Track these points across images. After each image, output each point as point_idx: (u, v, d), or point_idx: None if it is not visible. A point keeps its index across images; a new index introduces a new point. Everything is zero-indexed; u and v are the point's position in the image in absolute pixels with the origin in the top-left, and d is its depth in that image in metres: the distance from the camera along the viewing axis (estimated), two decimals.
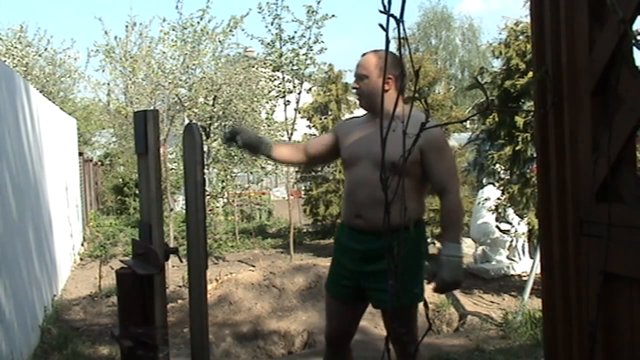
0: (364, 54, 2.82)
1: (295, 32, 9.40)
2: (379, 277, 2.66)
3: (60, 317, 6.29)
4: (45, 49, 15.32)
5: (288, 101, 9.81)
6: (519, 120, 6.50)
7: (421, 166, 2.66)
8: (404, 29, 1.03)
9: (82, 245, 10.54)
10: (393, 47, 1.05)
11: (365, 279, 2.76)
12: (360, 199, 2.70)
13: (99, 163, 18.92)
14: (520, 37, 6.85)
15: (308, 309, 6.01)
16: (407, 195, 2.63)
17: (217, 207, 11.98)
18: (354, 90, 2.84)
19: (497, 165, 7.16)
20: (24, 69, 13.87)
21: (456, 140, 11.49)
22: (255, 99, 11.01)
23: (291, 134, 9.75)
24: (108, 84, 11.37)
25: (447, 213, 2.70)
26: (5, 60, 12.38)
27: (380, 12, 1.03)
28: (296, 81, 9.71)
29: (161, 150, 6.15)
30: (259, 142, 2.71)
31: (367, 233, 2.70)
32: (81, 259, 9.61)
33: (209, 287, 6.03)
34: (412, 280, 2.65)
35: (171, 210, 8.60)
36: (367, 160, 2.68)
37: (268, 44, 9.43)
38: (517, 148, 6.52)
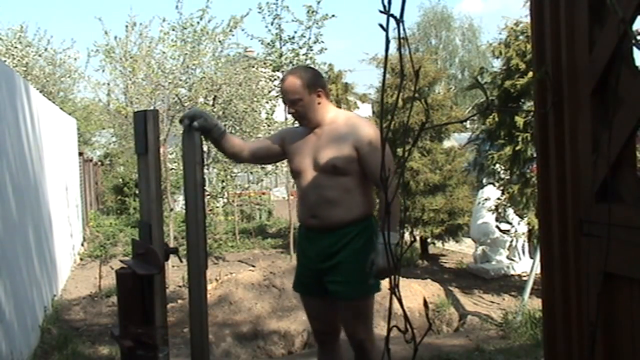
0: (283, 80, 2.98)
1: (295, 32, 9.40)
2: (336, 271, 2.89)
3: (60, 317, 6.29)
4: (45, 49, 15.32)
5: None
6: (519, 120, 6.51)
7: (359, 164, 2.84)
8: (404, 29, 1.02)
9: (82, 245, 10.54)
10: (393, 47, 1.05)
11: (324, 274, 2.94)
12: (313, 201, 2.90)
13: (99, 163, 18.92)
14: (520, 37, 6.86)
15: None
16: (353, 193, 2.85)
17: (217, 207, 11.98)
18: (290, 114, 2.99)
19: (497, 165, 7.16)
20: (24, 69, 13.86)
21: (456, 140, 11.49)
22: (255, 99, 11.00)
23: None
24: (108, 84, 11.36)
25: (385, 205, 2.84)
26: (5, 60, 12.37)
27: (380, 12, 1.03)
28: None
29: (161, 150, 6.15)
30: (213, 127, 2.75)
31: (321, 231, 2.90)
32: (81, 259, 9.61)
33: (209, 287, 6.02)
34: (366, 273, 2.78)
35: (171, 210, 8.60)
36: (314, 167, 2.90)
37: (268, 44, 9.43)
38: (517, 148, 6.52)
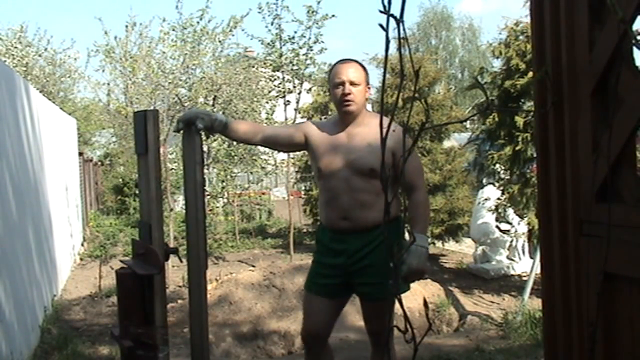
0: (345, 61, 2.94)
1: (295, 32, 9.40)
2: (369, 271, 2.90)
3: (60, 317, 6.29)
4: (45, 49, 15.33)
5: (288, 101, 9.81)
6: (519, 120, 6.50)
7: (393, 168, 2.84)
8: (404, 29, 1.02)
9: (82, 245, 10.54)
10: (393, 47, 1.05)
11: (355, 275, 2.94)
12: (345, 203, 2.88)
13: (99, 163, 18.92)
14: (520, 37, 6.85)
15: None
16: (384, 195, 2.80)
17: (217, 207, 11.98)
18: (344, 95, 2.89)
19: (497, 165, 7.16)
20: (24, 69, 13.87)
21: (456, 140, 11.49)
22: (255, 99, 11.00)
23: None
24: (108, 84, 11.40)
25: (416, 207, 2.90)
26: (5, 60, 12.38)
27: (380, 12, 1.03)
28: (296, 81, 9.71)
29: (161, 150, 6.15)
30: (212, 122, 2.67)
31: (352, 233, 2.89)
32: (81, 259, 9.61)
33: (209, 287, 6.03)
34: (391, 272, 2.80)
35: (171, 210, 8.60)
36: (345, 168, 2.87)
37: (268, 44, 9.43)
38: (517, 148, 6.52)
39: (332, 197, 2.93)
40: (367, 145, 2.86)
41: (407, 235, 4.09)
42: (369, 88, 2.97)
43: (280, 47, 9.36)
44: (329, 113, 11.84)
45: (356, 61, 2.97)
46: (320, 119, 11.74)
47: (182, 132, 2.59)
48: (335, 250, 2.96)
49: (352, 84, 2.86)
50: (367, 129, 2.90)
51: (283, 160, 10.85)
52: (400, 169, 2.80)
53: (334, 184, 2.90)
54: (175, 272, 8.13)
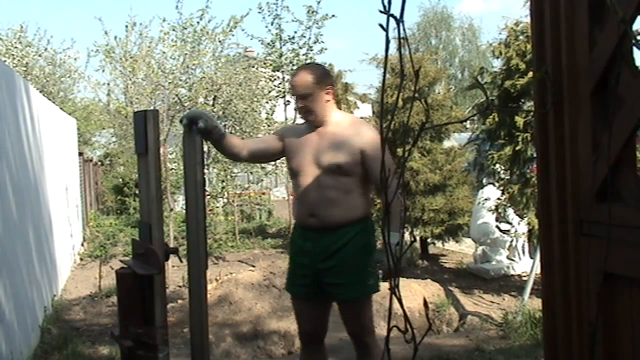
0: (295, 74, 2.98)
1: (295, 32, 9.43)
2: (336, 272, 2.90)
3: (60, 317, 6.29)
4: (45, 49, 15.32)
5: (288, 101, 9.82)
6: (519, 120, 6.50)
7: (362, 166, 2.88)
8: (404, 29, 1.03)
9: (82, 245, 10.54)
10: (393, 47, 1.05)
11: (323, 275, 2.94)
12: (313, 200, 2.91)
13: (99, 163, 18.91)
14: (520, 37, 6.85)
15: None
16: (353, 193, 2.88)
17: (217, 207, 11.97)
18: (298, 109, 2.99)
19: (497, 165, 7.16)
20: (24, 69, 13.86)
21: (456, 140, 11.49)
22: (255, 99, 11.00)
23: None
24: (108, 84, 11.38)
25: (393, 206, 2.87)
26: (5, 60, 12.37)
27: (380, 12, 1.03)
28: None
29: (161, 150, 6.15)
30: (213, 128, 2.72)
31: (320, 231, 2.91)
32: (81, 259, 9.61)
33: (209, 287, 6.02)
34: (366, 273, 2.85)
35: (171, 210, 8.60)
36: (316, 166, 2.91)
37: (268, 44, 9.45)
38: (517, 148, 6.52)
39: (301, 194, 2.97)
40: (338, 144, 2.89)
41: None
42: (329, 89, 2.93)
43: (280, 47, 9.38)
44: None
45: (308, 67, 3.01)
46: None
47: (182, 131, 2.59)
48: (305, 249, 2.99)
49: (301, 97, 2.90)
50: (338, 128, 2.94)
51: (283, 160, 10.83)
52: (366, 167, 2.83)
53: (303, 181, 2.94)
54: (175, 272, 8.13)
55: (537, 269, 5.74)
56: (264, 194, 15.86)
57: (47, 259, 6.43)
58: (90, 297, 7.16)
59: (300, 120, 3.20)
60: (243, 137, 10.64)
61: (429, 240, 9.91)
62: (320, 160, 2.90)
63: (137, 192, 12.15)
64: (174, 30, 9.16)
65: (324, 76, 2.94)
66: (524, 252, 8.58)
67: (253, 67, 11.26)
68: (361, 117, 14.83)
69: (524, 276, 7.77)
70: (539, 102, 1.61)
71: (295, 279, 3.09)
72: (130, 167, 15.52)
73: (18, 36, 14.50)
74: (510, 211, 7.98)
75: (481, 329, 6.03)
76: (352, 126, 2.94)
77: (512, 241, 8.61)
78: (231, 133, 11.03)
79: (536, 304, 5.65)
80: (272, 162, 12.22)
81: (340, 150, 2.87)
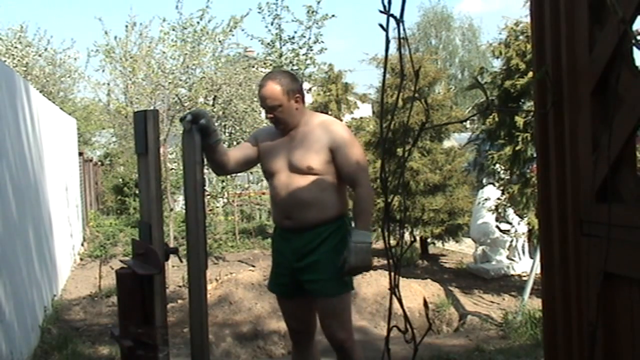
0: (262, 85, 2.97)
1: (295, 32, 9.44)
2: (312, 269, 2.93)
3: (60, 317, 6.29)
4: (45, 49, 15.33)
5: None
6: (519, 120, 6.50)
7: (333, 164, 2.90)
8: (404, 29, 1.03)
9: (82, 245, 10.54)
10: (393, 47, 1.05)
11: (300, 273, 2.98)
12: (287, 202, 2.94)
13: (99, 163, 18.91)
14: (520, 37, 6.85)
15: None
16: (327, 193, 2.90)
17: (217, 207, 11.97)
18: (268, 120, 3.00)
19: (497, 165, 7.16)
20: (24, 69, 13.86)
21: (456, 140, 11.49)
22: (255, 99, 10.99)
23: None
24: (108, 84, 11.39)
25: (358, 203, 2.93)
26: (5, 60, 12.37)
27: (380, 12, 1.03)
28: None
29: (161, 150, 6.15)
30: (212, 131, 2.73)
31: (296, 231, 2.94)
32: (81, 259, 9.61)
33: (209, 287, 6.03)
34: (341, 270, 2.85)
35: (171, 210, 8.60)
36: (288, 168, 2.94)
37: (268, 44, 9.45)
38: (517, 148, 6.51)
39: (275, 196, 3.00)
40: (305, 144, 2.92)
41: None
42: (297, 97, 2.93)
43: (280, 47, 9.39)
44: (329, 113, 11.85)
45: (275, 77, 2.96)
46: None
47: (182, 131, 2.59)
48: (283, 250, 3.04)
49: (270, 109, 2.93)
50: (307, 128, 2.96)
51: None
52: (337, 165, 2.81)
53: (276, 183, 2.97)
54: (175, 272, 8.13)
55: (537, 269, 5.74)
56: (264, 193, 15.83)
57: (47, 259, 6.43)
58: (90, 297, 7.16)
59: None
60: (243, 138, 10.66)
61: (429, 240, 9.91)
62: (291, 162, 2.92)
63: (137, 192, 12.16)
64: (174, 30, 9.17)
65: (292, 84, 2.93)
66: (524, 252, 8.57)
67: (253, 67, 11.26)
68: (360, 117, 14.78)
69: (524, 276, 7.77)
70: (539, 102, 1.61)
71: (276, 278, 3.14)
72: (130, 167, 15.52)
73: (18, 36, 14.51)
74: (510, 211, 7.98)
75: (481, 329, 6.03)
76: (320, 125, 2.96)
77: (512, 241, 8.61)
78: (231, 133, 11.06)
79: (536, 304, 5.65)
80: (206, 159, 12.23)
81: (310, 151, 2.89)
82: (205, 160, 2.77)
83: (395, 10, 1.03)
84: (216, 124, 11.74)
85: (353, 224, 2.95)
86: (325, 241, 2.90)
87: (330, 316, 2.99)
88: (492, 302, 7.23)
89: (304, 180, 2.89)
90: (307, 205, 2.88)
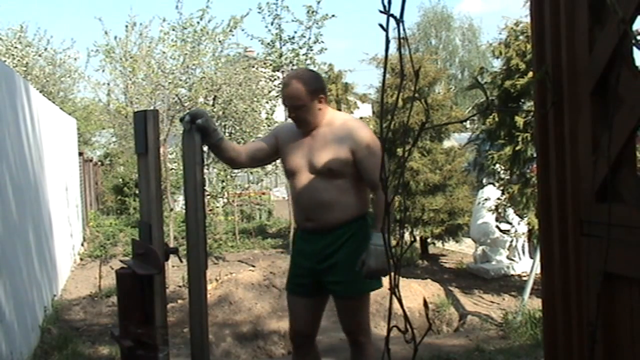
0: (286, 84, 2.93)
1: (295, 32, 9.41)
2: (335, 270, 2.92)
3: (60, 317, 6.29)
4: (45, 49, 15.32)
5: None
6: (519, 120, 6.50)
7: (354, 166, 2.87)
8: (404, 29, 1.03)
9: (82, 245, 10.54)
10: (393, 47, 1.05)
11: (323, 274, 2.96)
12: (308, 203, 2.92)
13: (99, 163, 18.91)
14: (520, 37, 6.85)
15: None
16: (348, 194, 2.88)
17: (217, 207, 11.97)
18: (291, 118, 2.98)
19: (497, 165, 7.16)
20: (24, 69, 13.86)
21: (456, 140, 11.49)
22: (255, 99, 11.00)
23: None
24: (108, 84, 11.37)
25: (378, 206, 2.92)
26: (5, 60, 12.37)
27: (380, 12, 1.03)
28: None
29: (161, 150, 6.15)
30: (212, 130, 2.70)
31: (317, 233, 2.93)
32: (81, 259, 9.61)
33: (209, 287, 6.02)
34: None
35: (171, 210, 8.60)
36: (309, 169, 2.91)
37: (268, 44, 9.44)
38: (517, 148, 6.52)
39: (296, 198, 2.99)
40: (326, 145, 2.89)
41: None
42: (321, 97, 2.90)
43: (280, 47, 9.37)
44: None
45: (299, 76, 2.93)
46: None
47: (182, 131, 2.59)
48: (305, 251, 3.02)
49: (294, 108, 2.89)
50: (329, 129, 2.93)
51: None
52: (358, 167, 2.81)
53: (298, 184, 2.95)
54: (175, 272, 8.13)
55: (537, 269, 5.74)
56: (264, 194, 15.86)
57: (47, 259, 6.43)
58: (90, 297, 7.16)
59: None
60: (243, 137, 10.65)
61: (429, 240, 9.91)
62: (312, 164, 2.90)
63: (137, 192, 12.15)
64: (174, 30, 9.16)
65: (316, 84, 2.90)
66: (524, 252, 8.58)
67: (253, 67, 11.26)
68: (360, 117, 14.81)
69: (524, 276, 7.77)
70: (539, 102, 1.61)
71: (295, 278, 3.11)
72: (130, 167, 15.52)
73: (18, 36, 14.50)
74: (510, 211, 7.98)
75: (481, 329, 6.03)
76: (343, 126, 2.92)
77: (512, 241, 8.61)
78: (231, 133, 11.06)
79: (536, 304, 5.65)
80: (273, 162, 12.26)
81: (331, 152, 2.86)
82: (205, 160, 2.76)
83: (395, 10, 1.03)
84: (216, 123, 11.74)
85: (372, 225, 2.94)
86: (346, 242, 2.89)
87: (350, 315, 3.00)
88: (492, 302, 7.23)
89: (325, 182, 2.86)
90: (328, 207, 2.86)
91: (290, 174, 2.99)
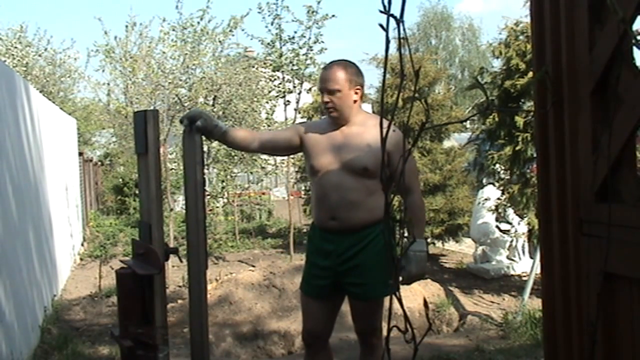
0: (327, 68, 2.91)
1: (295, 32, 9.40)
2: (357, 272, 2.89)
3: (60, 317, 6.29)
4: (45, 49, 15.33)
5: (288, 101, 9.82)
6: (519, 120, 6.50)
7: (387, 167, 2.81)
8: (404, 29, 1.02)
9: (82, 245, 10.54)
10: (393, 47, 1.05)
11: (344, 276, 2.93)
12: (334, 202, 2.87)
13: (99, 163, 18.91)
14: (520, 37, 6.85)
15: None
16: (375, 195, 2.84)
17: (217, 207, 11.97)
18: (324, 104, 2.92)
19: (497, 165, 7.16)
20: (24, 69, 13.86)
21: (456, 140, 11.49)
22: (255, 99, 11.00)
23: None
24: (108, 84, 11.37)
25: (413, 211, 2.91)
26: (5, 60, 12.38)
27: (380, 12, 1.03)
28: (296, 81, 9.71)
29: (161, 150, 6.14)
30: (213, 128, 2.68)
31: (340, 233, 2.89)
32: (81, 259, 9.61)
33: (209, 287, 6.02)
34: (386, 273, 2.81)
35: (171, 210, 8.60)
36: (338, 166, 2.87)
37: (268, 44, 9.43)
38: (517, 148, 6.52)
39: (322, 196, 2.93)
40: (363, 145, 2.84)
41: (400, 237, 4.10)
42: (358, 89, 2.88)
43: (280, 47, 9.37)
44: None
45: (342, 63, 2.90)
46: (320, 119, 11.74)
47: (182, 131, 2.59)
48: (325, 251, 2.96)
49: (330, 92, 2.85)
50: (363, 129, 2.88)
51: (283, 160, 10.86)
52: (400, 170, 2.79)
53: (325, 181, 2.90)
54: (175, 272, 8.13)
55: (537, 269, 5.74)
56: (264, 194, 15.85)
57: (47, 259, 6.43)
58: (90, 297, 7.16)
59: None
60: None
61: (429, 240, 9.91)
62: (344, 162, 2.84)
63: (137, 192, 12.16)
64: (174, 30, 9.16)
65: (356, 76, 2.87)
66: (524, 252, 8.57)
67: (253, 67, 11.25)
68: None
69: (524, 276, 7.77)
70: (539, 102, 1.61)
71: (311, 279, 3.05)
72: (130, 167, 15.51)
73: (18, 36, 14.51)
74: (510, 211, 7.98)
75: (481, 329, 6.03)
76: (377, 127, 2.92)
77: (512, 241, 8.61)
78: None
79: (536, 304, 5.65)
80: (273, 162, 12.26)
81: (367, 152, 2.81)
82: (205, 160, 2.76)
83: (395, 10, 1.03)
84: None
85: (407, 232, 2.93)
86: (370, 244, 2.86)
87: (367, 317, 2.99)
88: (492, 302, 7.23)
89: (355, 181, 2.82)
90: (355, 207, 2.83)
91: (316, 170, 2.93)
